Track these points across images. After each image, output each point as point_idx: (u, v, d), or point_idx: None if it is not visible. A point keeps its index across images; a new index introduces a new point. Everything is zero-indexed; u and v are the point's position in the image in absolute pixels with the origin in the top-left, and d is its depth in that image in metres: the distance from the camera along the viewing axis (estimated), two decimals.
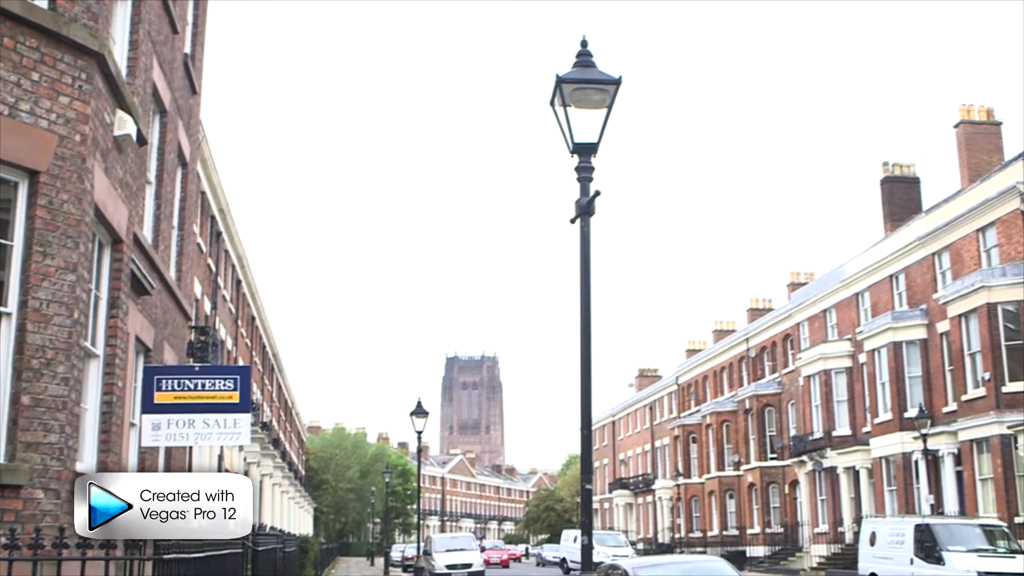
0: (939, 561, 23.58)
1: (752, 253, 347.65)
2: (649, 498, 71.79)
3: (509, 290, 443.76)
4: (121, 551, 7.29)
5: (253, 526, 10.25)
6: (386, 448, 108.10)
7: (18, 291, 7.93)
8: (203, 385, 11.18)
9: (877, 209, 42.58)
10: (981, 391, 31.47)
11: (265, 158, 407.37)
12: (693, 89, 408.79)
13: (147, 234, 12.83)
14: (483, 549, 52.77)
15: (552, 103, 9.11)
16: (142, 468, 12.11)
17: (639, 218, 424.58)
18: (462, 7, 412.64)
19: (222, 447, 22.97)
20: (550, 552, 65.54)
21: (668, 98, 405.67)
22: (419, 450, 40.01)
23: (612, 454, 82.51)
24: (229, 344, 30.95)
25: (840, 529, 41.69)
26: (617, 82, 8.99)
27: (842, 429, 42.03)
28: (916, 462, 35.37)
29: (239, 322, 34.69)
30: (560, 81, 8.95)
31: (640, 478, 73.86)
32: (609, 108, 8.99)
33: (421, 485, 45.30)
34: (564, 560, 48.61)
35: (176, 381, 11.20)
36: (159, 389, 11.13)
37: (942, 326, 34.55)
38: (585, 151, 9.05)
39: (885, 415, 37.35)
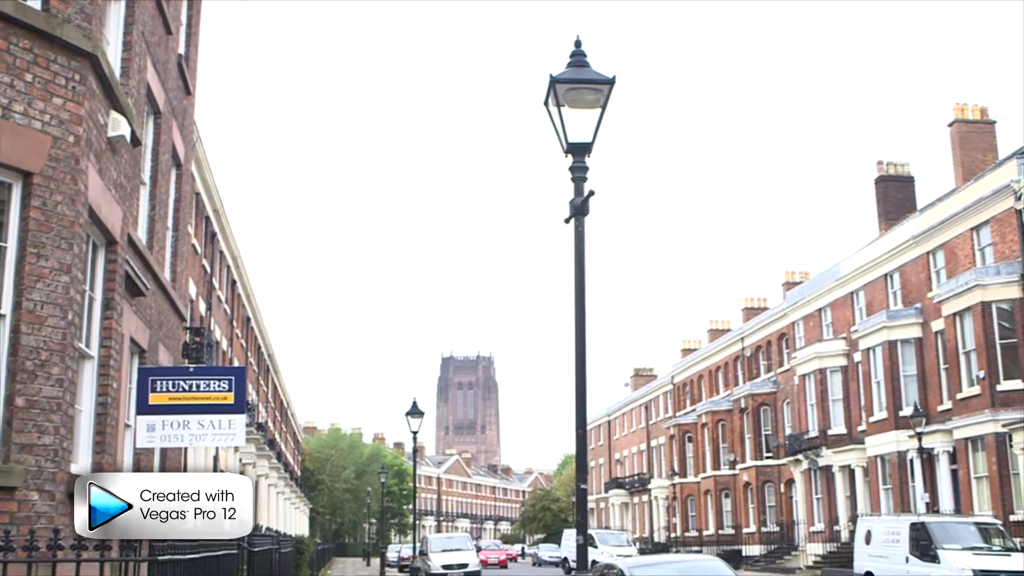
0: (934, 559, 23.60)
1: (747, 252, 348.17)
2: (645, 497, 71.82)
3: (504, 290, 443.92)
4: (116, 552, 7.29)
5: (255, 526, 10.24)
6: (382, 448, 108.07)
7: (12, 292, 7.92)
8: (198, 386, 11.16)
9: (872, 208, 42.70)
10: (976, 389, 31.53)
11: (260, 159, 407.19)
12: (688, 88, 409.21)
13: (141, 235, 12.81)
14: (479, 549, 52.74)
15: (546, 103, 9.11)
16: (137, 469, 12.10)
17: (634, 217, 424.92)
18: (457, 7, 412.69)
19: (217, 448, 22.96)
20: (546, 552, 65.55)
21: (663, 97, 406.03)
22: (415, 450, 40.07)
23: (608, 454, 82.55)
24: (224, 345, 30.93)
25: (836, 528, 41.75)
26: (611, 82, 8.99)
27: (837, 428, 42.09)
28: (911, 460, 35.44)
29: (234, 323, 34.67)
30: (554, 81, 8.95)
31: (636, 477, 73.90)
32: (603, 108, 8.99)
33: (417, 485, 45.29)
34: (565, 560, 48.64)
35: (171, 382, 11.18)
36: (154, 390, 11.11)
37: (937, 325, 34.61)
38: (579, 151, 9.05)
39: (880, 414, 37.40)
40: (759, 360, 53.26)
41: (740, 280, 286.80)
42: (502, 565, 60.27)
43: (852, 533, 32.70)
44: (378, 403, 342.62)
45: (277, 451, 45.44)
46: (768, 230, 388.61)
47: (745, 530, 52.74)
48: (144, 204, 13.31)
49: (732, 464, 54.38)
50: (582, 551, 9.08)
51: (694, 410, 60.53)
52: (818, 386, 42.92)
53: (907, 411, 34.75)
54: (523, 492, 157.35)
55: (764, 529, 50.75)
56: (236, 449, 29.57)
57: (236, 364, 33.74)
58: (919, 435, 32.32)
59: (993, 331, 30.69)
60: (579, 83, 8.99)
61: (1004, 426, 29.98)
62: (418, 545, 41.27)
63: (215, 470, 22.46)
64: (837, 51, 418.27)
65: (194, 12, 17.25)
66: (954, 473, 33.36)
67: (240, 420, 11.26)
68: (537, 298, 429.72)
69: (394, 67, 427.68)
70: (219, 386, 11.22)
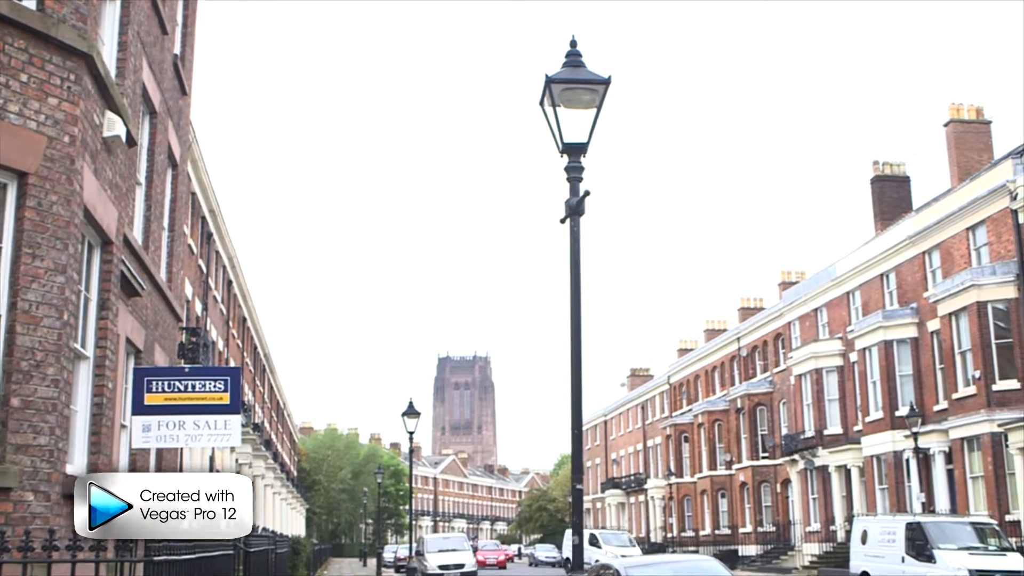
0: (930, 559, 23.61)
1: (743, 252, 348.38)
2: (641, 497, 71.83)
3: (501, 290, 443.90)
4: (112, 553, 7.28)
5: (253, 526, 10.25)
6: (378, 449, 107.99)
7: (7, 293, 7.91)
8: (193, 386, 11.16)
9: (868, 208, 42.75)
10: (972, 389, 31.56)
11: (256, 159, 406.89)
12: (684, 88, 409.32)
13: (137, 235, 12.80)
14: (476, 549, 52.71)
15: (542, 103, 9.11)
16: (133, 470, 12.08)
17: (631, 217, 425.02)
18: (453, 7, 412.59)
19: (214, 448, 22.92)
20: (543, 552, 65.51)
21: (659, 97, 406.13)
22: (411, 450, 40.08)
23: (604, 454, 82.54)
24: (220, 345, 30.90)
25: (832, 528, 41.78)
26: (606, 82, 8.99)
27: (833, 428, 42.12)
28: (907, 460, 35.46)
29: (230, 323, 34.63)
30: (549, 81, 8.96)
31: (632, 477, 73.90)
32: (599, 108, 9.00)
33: (413, 485, 45.33)
34: (567, 560, 48.67)
35: (166, 382, 11.18)
36: (149, 390, 11.10)
37: (932, 325, 34.65)
38: (575, 151, 9.06)
39: (876, 414, 37.43)
40: (755, 360, 53.29)
41: (736, 280, 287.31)
42: (501, 566, 60.16)
43: (848, 533, 32.73)
44: (374, 403, 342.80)
45: (273, 451, 45.40)
46: (764, 230, 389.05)
47: (741, 530, 52.77)
48: (140, 204, 13.30)
49: (728, 464, 54.39)
50: (577, 551, 9.11)
51: (690, 410, 60.54)
52: (814, 386, 42.95)
53: (903, 411, 34.78)
54: (519, 492, 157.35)
55: (760, 529, 50.78)
56: (232, 449, 29.54)
57: (232, 364, 33.73)
58: (915, 435, 32.34)
59: (989, 331, 30.73)
60: (575, 83, 9.00)
61: (1000, 426, 30.01)
62: (414, 545, 41.29)
63: (211, 470, 22.45)
64: (833, 51, 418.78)
65: (190, 12, 17.23)
66: (950, 473, 33.39)
67: (236, 420, 11.25)
68: (533, 298, 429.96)
69: (391, 67, 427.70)
70: (215, 386, 11.21)
